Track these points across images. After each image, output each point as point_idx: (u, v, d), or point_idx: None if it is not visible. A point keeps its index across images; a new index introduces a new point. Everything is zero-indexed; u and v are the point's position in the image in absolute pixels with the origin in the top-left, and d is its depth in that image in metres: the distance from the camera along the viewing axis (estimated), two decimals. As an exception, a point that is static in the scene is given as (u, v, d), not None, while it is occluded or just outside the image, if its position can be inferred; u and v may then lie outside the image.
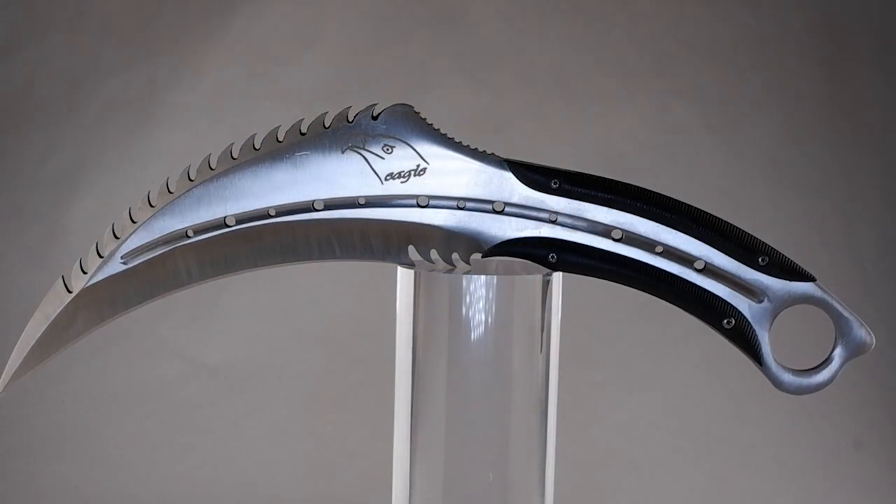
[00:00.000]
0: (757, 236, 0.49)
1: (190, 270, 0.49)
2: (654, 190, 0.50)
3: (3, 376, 0.51)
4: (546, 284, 0.49)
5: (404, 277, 0.49)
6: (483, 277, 0.48)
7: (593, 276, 0.50)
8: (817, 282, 0.49)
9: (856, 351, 0.49)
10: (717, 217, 0.49)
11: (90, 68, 1.13)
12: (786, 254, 0.49)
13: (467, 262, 0.49)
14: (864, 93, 1.15)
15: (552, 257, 0.49)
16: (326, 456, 1.01)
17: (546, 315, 0.50)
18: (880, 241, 1.14)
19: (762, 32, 1.16)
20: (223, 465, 1.01)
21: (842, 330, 0.48)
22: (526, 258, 0.49)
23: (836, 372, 0.49)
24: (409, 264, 0.49)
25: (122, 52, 1.13)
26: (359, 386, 1.03)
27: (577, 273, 0.50)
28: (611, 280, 0.50)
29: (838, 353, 0.49)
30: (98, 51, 1.13)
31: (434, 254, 0.49)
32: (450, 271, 0.49)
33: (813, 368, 0.49)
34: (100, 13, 1.13)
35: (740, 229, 0.49)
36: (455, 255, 0.49)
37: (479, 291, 0.48)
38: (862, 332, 0.48)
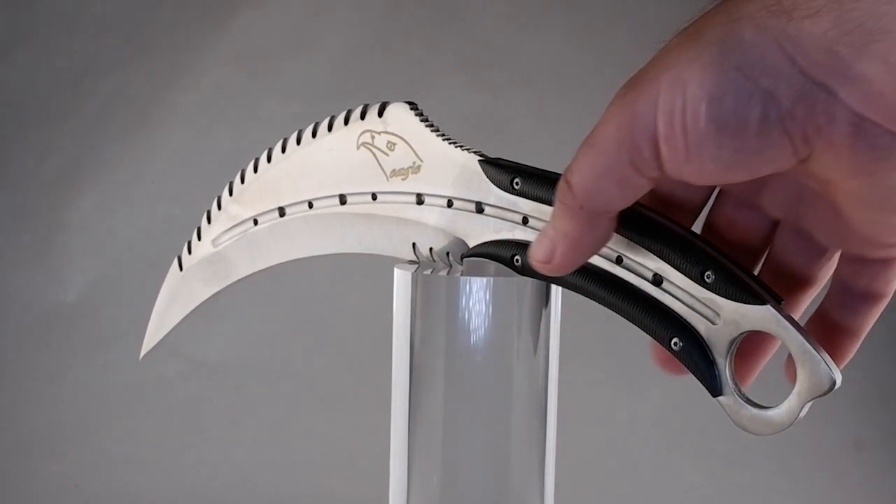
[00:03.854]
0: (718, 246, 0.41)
1: (256, 255, 0.52)
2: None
3: (144, 345, 0.56)
4: (545, 285, 0.49)
5: (402, 279, 0.49)
6: (481, 279, 0.48)
7: (554, 283, 0.46)
8: (776, 305, 0.40)
9: (816, 390, 0.40)
10: (668, 223, 0.42)
11: (90, 68, 1.13)
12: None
13: (459, 262, 0.48)
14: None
15: (517, 260, 0.45)
16: (325, 455, 1.01)
17: (545, 315, 0.49)
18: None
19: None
20: (223, 464, 1.01)
21: (802, 365, 0.40)
22: (496, 260, 0.46)
23: (795, 413, 0.41)
24: (415, 262, 0.49)
25: (121, 52, 1.13)
26: (358, 385, 1.03)
27: (540, 279, 0.45)
28: (570, 289, 0.44)
29: (797, 391, 0.40)
30: (98, 50, 1.13)
31: (433, 252, 0.48)
32: (449, 271, 0.49)
33: (774, 407, 0.42)
34: (100, 13, 1.13)
35: (692, 238, 0.42)
36: (450, 255, 0.48)
37: (477, 293, 0.48)
38: (822, 369, 0.40)
